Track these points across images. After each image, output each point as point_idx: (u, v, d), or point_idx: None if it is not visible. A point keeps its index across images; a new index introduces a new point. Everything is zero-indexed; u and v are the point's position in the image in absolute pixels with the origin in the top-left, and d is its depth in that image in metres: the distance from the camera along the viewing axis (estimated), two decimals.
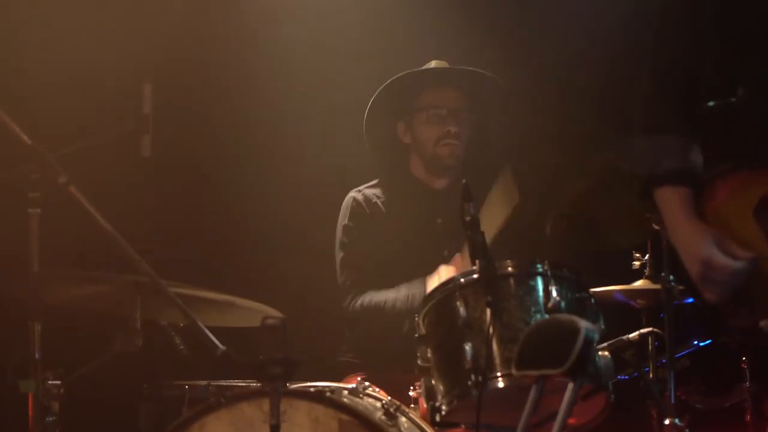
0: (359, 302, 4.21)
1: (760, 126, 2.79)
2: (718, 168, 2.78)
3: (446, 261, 4.17)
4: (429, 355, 3.32)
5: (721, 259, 2.65)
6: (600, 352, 3.15)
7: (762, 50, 2.77)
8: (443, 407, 3.25)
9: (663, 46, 2.82)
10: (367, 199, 4.37)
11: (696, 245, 2.69)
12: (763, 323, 2.79)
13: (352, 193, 4.41)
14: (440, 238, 4.26)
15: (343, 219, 4.36)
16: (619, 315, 4.05)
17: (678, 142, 2.77)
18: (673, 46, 2.80)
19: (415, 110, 4.31)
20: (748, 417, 4.14)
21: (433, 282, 4.00)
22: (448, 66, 4.37)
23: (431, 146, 4.28)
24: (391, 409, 3.35)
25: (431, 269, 4.14)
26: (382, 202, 4.36)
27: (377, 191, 4.40)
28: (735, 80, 2.80)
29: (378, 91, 4.28)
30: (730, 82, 2.81)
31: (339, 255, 4.34)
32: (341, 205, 4.44)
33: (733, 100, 2.81)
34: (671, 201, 2.76)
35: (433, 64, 4.38)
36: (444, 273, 4.02)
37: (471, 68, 4.30)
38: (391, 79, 4.25)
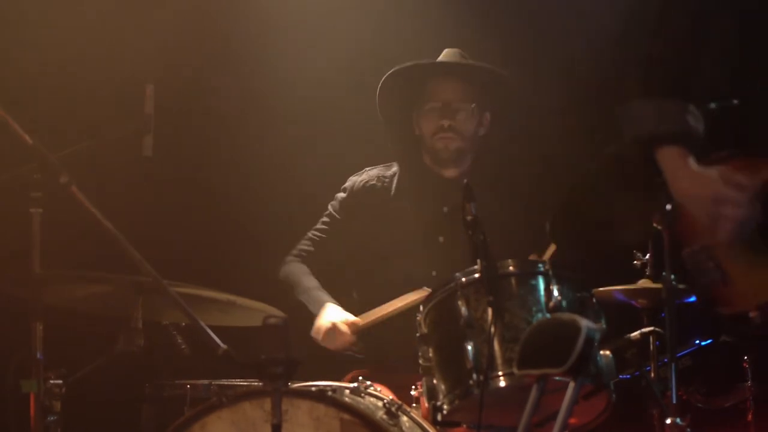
0: (287, 266, 4.41)
1: (760, 121, 2.81)
2: (717, 154, 2.81)
3: (442, 248, 4.24)
4: (430, 354, 3.33)
5: (729, 192, 2.72)
6: (601, 352, 3.15)
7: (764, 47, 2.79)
8: (445, 407, 3.26)
9: (666, 23, 2.84)
10: (365, 183, 4.43)
11: (702, 185, 2.76)
12: (752, 313, 2.81)
13: (354, 176, 4.48)
14: (441, 226, 4.29)
15: (335, 199, 4.47)
16: (620, 314, 4.05)
17: (677, 105, 2.81)
18: (676, 23, 2.83)
19: (421, 102, 4.33)
20: (750, 416, 4.13)
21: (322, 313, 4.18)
22: (458, 54, 4.36)
23: (429, 139, 4.32)
24: (393, 409, 3.35)
25: (425, 255, 4.22)
26: (389, 184, 4.41)
27: (389, 173, 4.45)
28: (737, 77, 2.82)
29: (380, 84, 4.31)
30: (731, 78, 2.82)
31: (320, 222, 4.48)
32: None
33: (735, 102, 2.84)
34: (672, 157, 2.81)
35: (444, 52, 4.37)
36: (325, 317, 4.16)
37: (468, 62, 4.31)
38: (389, 72, 4.28)
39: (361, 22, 5.06)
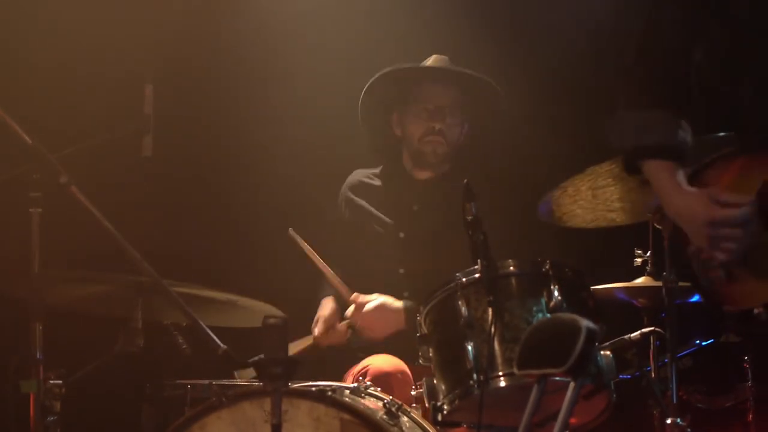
0: None
1: (762, 115, 2.79)
2: (720, 151, 2.78)
3: (403, 243, 4.31)
4: (431, 354, 3.33)
5: (723, 212, 2.66)
6: (602, 352, 3.15)
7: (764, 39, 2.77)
8: (445, 407, 3.26)
9: (652, 24, 2.82)
10: (354, 183, 4.52)
11: (695, 209, 2.71)
12: (757, 310, 2.79)
13: (349, 179, 4.55)
14: (404, 223, 4.35)
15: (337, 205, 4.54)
16: (620, 314, 4.05)
17: (663, 116, 2.78)
18: (663, 22, 2.81)
19: (407, 104, 4.36)
20: (750, 417, 4.13)
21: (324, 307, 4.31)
22: (447, 60, 4.39)
23: (416, 141, 4.34)
24: (393, 409, 3.35)
25: (399, 250, 4.28)
26: (372, 184, 4.49)
27: (371, 172, 4.53)
28: (735, 70, 2.79)
29: (369, 82, 4.33)
30: (730, 71, 2.80)
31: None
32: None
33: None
34: (660, 174, 2.78)
35: (432, 58, 4.40)
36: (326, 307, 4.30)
37: (461, 69, 4.32)
38: (381, 72, 4.30)
39: (362, 20, 5.07)
